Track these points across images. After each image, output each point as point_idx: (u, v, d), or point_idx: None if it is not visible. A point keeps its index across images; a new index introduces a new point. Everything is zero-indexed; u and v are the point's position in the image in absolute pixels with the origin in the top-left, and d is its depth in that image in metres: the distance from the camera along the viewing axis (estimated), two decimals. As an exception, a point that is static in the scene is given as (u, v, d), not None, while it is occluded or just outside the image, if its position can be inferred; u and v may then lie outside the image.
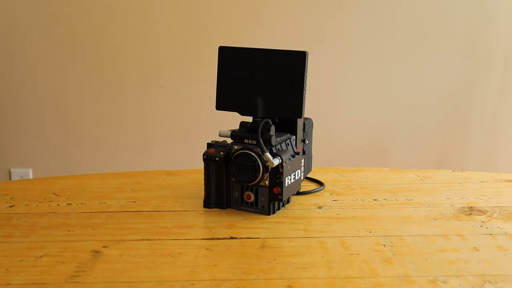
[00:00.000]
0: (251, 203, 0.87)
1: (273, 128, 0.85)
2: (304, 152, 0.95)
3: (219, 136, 0.88)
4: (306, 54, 0.82)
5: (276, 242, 0.77)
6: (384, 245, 0.76)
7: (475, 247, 0.76)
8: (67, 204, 0.92)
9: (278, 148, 0.85)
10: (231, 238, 0.78)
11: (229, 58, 0.88)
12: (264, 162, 0.83)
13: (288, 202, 0.92)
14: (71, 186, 1.01)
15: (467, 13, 2.10)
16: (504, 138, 2.25)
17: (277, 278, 0.67)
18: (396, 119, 2.19)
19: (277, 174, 0.84)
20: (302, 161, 0.91)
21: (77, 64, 2.09)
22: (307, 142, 0.95)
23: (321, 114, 2.14)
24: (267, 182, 0.85)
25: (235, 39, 2.07)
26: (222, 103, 0.89)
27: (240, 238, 0.79)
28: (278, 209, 0.89)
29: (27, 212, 0.88)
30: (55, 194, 0.97)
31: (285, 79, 0.84)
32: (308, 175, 1.04)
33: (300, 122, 0.91)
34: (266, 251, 0.74)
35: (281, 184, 0.84)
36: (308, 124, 0.96)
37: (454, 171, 1.12)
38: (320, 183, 1.03)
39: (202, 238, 0.79)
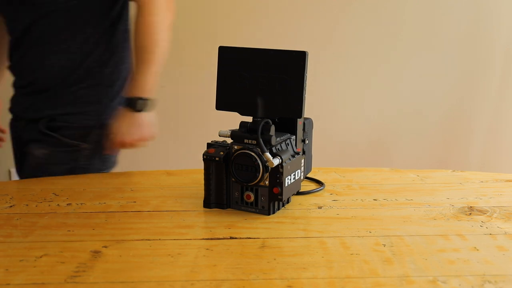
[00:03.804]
0: (251, 203, 0.87)
1: (273, 128, 0.85)
2: (304, 152, 0.95)
3: (219, 136, 0.88)
4: (306, 54, 0.82)
5: (276, 242, 0.77)
6: (384, 245, 0.76)
7: (475, 247, 0.76)
8: (67, 204, 0.92)
9: (278, 148, 0.85)
10: (231, 238, 0.78)
11: (229, 58, 0.88)
12: (264, 162, 0.83)
13: (288, 202, 0.92)
14: (71, 186, 1.01)
15: (467, 13, 2.10)
16: (504, 138, 2.25)
17: (277, 278, 0.66)
18: (396, 119, 2.19)
19: (277, 174, 0.84)
20: (302, 161, 0.91)
21: (77, 64, 2.09)
22: (307, 142, 0.95)
23: (321, 114, 2.14)
24: (267, 182, 0.85)
25: (235, 39, 2.07)
26: (222, 103, 0.89)
27: (240, 238, 0.78)
28: (278, 209, 0.89)
29: (27, 212, 0.88)
30: (55, 194, 0.96)
31: (285, 79, 0.84)
32: (308, 175, 1.04)
33: (300, 122, 0.91)
34: (266, 251, 0.74)
35: (281, 184, 0.84)
36: (308, 124, 0.96)
37: (454, 171, 1.12)
38: (320, 183, 1.03)
39: (202, 238, 0.79)
